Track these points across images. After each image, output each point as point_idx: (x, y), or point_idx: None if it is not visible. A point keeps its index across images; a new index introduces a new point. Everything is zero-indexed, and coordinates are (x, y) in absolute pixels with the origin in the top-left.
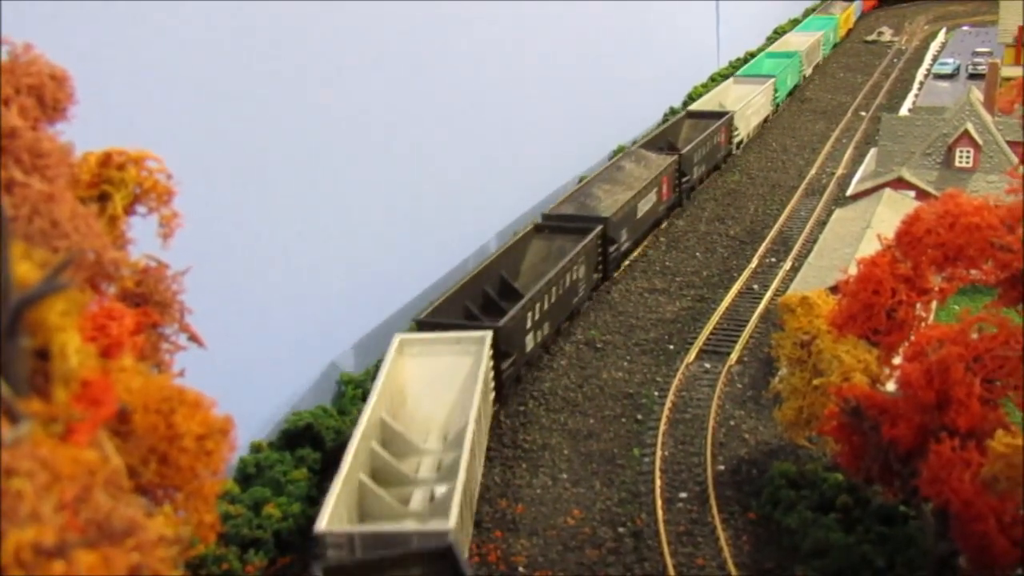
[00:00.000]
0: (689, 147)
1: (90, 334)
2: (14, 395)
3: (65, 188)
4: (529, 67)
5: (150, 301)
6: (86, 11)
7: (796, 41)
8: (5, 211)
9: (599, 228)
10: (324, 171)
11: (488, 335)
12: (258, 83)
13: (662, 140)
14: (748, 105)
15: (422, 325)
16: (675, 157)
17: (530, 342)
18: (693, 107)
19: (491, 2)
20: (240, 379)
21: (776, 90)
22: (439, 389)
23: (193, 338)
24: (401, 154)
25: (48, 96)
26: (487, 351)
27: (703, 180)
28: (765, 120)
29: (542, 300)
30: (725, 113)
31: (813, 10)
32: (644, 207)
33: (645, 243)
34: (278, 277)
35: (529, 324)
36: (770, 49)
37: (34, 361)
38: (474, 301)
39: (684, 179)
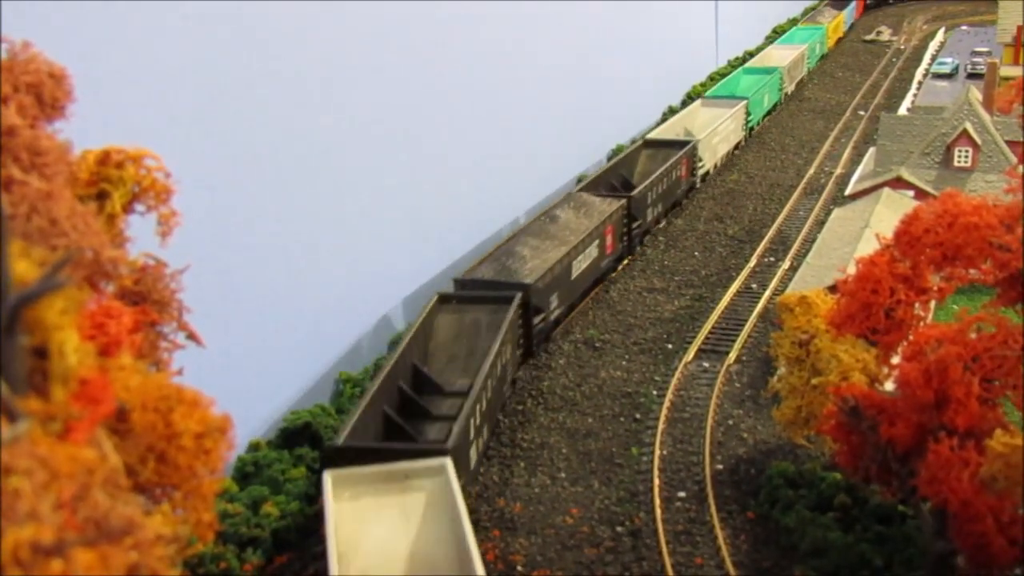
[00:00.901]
0: (641, 187)
1: (88, 332)
2: (12, 393)
3: (63, 186)
4: (527, 67)
5: (148, 299)
6: (84, 9)
7: (777, 56)
8: (4, 209)
9: (519, 296)
10: (323, 170)
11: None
12: (256, 82)
13: (614, 175)
14: (715, 132)
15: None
16: (623, 201)
17: (474, 456)
18: (652, 135)
19: (489, 2)
20: (238, 377)
21: (748, 113)
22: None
23: (191, 336)
24: (400, 153)
25: (47, 94)
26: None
27: (660, 221)
28: (736, 147)
29: (480, 402)
30: (687, 142)
31: (812, 10)
32: (582, 265)
33: (643, 244)
34: (276, 275)
35: (472, 435)
36: (749, 64)
37: (32, 359)
38: (391, 403)
39: (635, 224)
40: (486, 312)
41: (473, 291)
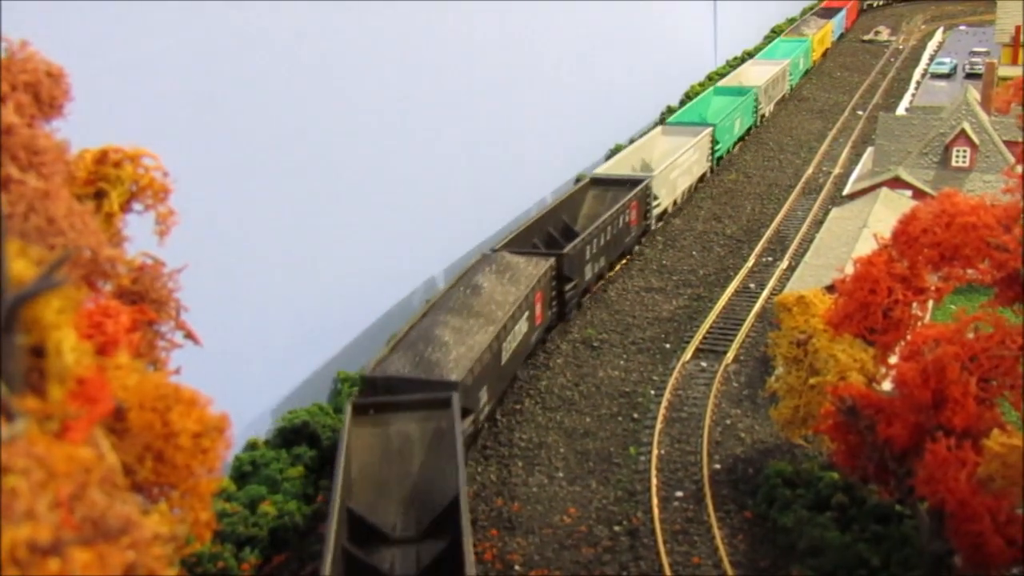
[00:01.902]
0: (576, 242)
1: (86, 331)
2: (9, 392)
3: (61, 185)
4: (524, 68)
5: (146, 298)
6: (82, 8)
7: (754, 74)
8: (2, 208)
9: (451, 398)
10: (321, 169)
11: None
12: (254, 81)
13: (553, 221)
14: (673, 166)
15: None
16: (551, 260)
17: None
18: (600, 170)
19: (486, 2)
20: (236, 376)
21: (716, 141)
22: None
23: (189, 336)
24: (398, 153)
25: (44, 93)
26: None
27: (602, 277)
28: (701, 179)
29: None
30: (639, 180)
31: (809, 10)
32: (511, 345)
33: (643, 243)
34: (275, 274)
35: None
36: (722, 83)
37: (29, 358)
38: None
39: (569, 287)
40: (414, 421)
41: (394, 392)
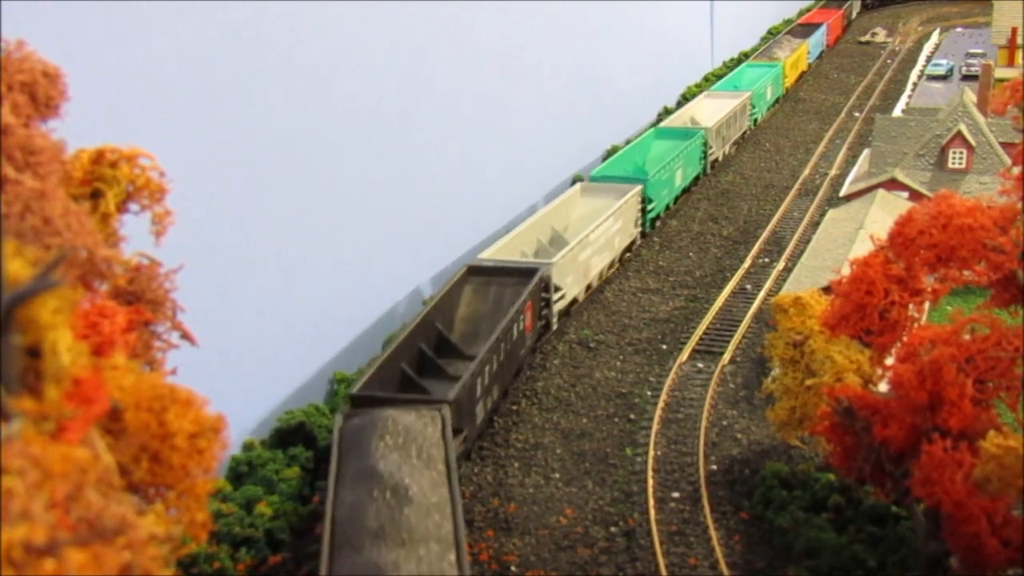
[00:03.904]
0: (466, 378)
1: (82, 332)
2: (5, 393)
3: (57, 185)
4: (522, 69)
5: (142, 299)
6: (80, 8)
7: (708, 110)
8: None
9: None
10: (318, 170)
11: None
12: (251, 81)
13: (423, 334)
14: (585, 243)
15: None
16: (438, 418)
17: None
18: (487, 253)
19: (484, 3)
20: (232, 377)
21: (649, 200)
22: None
23: (185, 336)
24: (396, 154)
25: (41, 93)
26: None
27: (492, 420)
28: (627, 249)
29: None
30: (532, 269)
31: (808, 11)
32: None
33: (639, 243)
34: (272, 275)
35: None
36: (666, 123)
37: (25, 359)
38: None
39: (459, 440)
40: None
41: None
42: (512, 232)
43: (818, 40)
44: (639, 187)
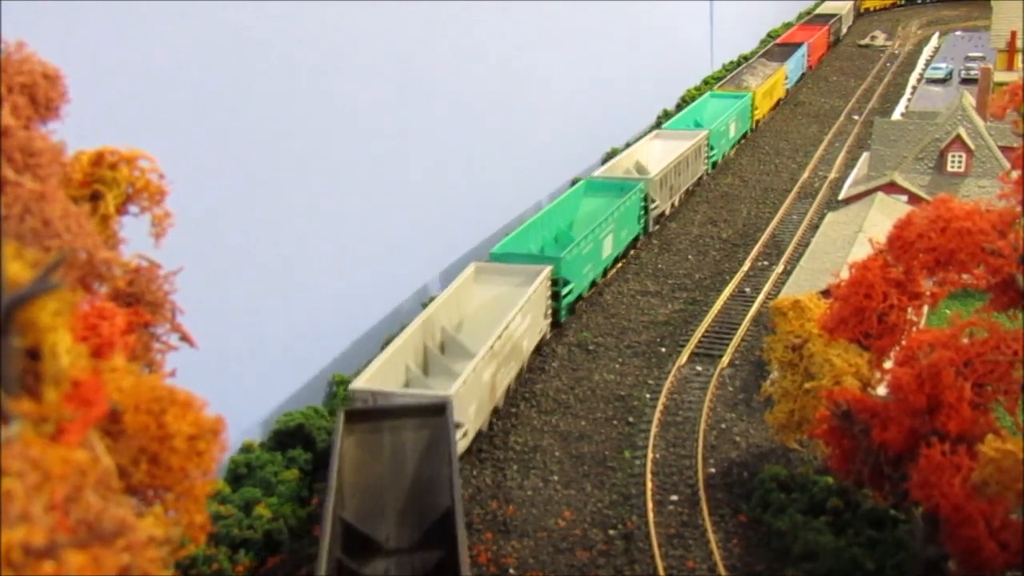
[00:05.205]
0: None
1: (81, 334)
2: (5, 395)
3: (57, 187)
4: (522, 71)
5: (142, 301)
6: (80, 8)
7: (655, 154)
8: None
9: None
10: (318, 172)
11: None
12: (250, 81)
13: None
14: (491, 356)
15: None
16: None
17: None
18: (355, 385)
19: (483, 3)
20: (231, 379)
21: (564, 282)
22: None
23: (185, 338)
24: (396, 155)
25: (40, 95)
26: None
27: None
28: (538, 348)
29: None
30: (433, 407)
31: (808, 13)
32: None
33: (638, 245)
34: (271, 277)
35: None
36: (600, 173)
37: (25, 361)
38: None
39: None
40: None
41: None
42: (392, 345)
43: (797, 63)
44: (548, 269)
